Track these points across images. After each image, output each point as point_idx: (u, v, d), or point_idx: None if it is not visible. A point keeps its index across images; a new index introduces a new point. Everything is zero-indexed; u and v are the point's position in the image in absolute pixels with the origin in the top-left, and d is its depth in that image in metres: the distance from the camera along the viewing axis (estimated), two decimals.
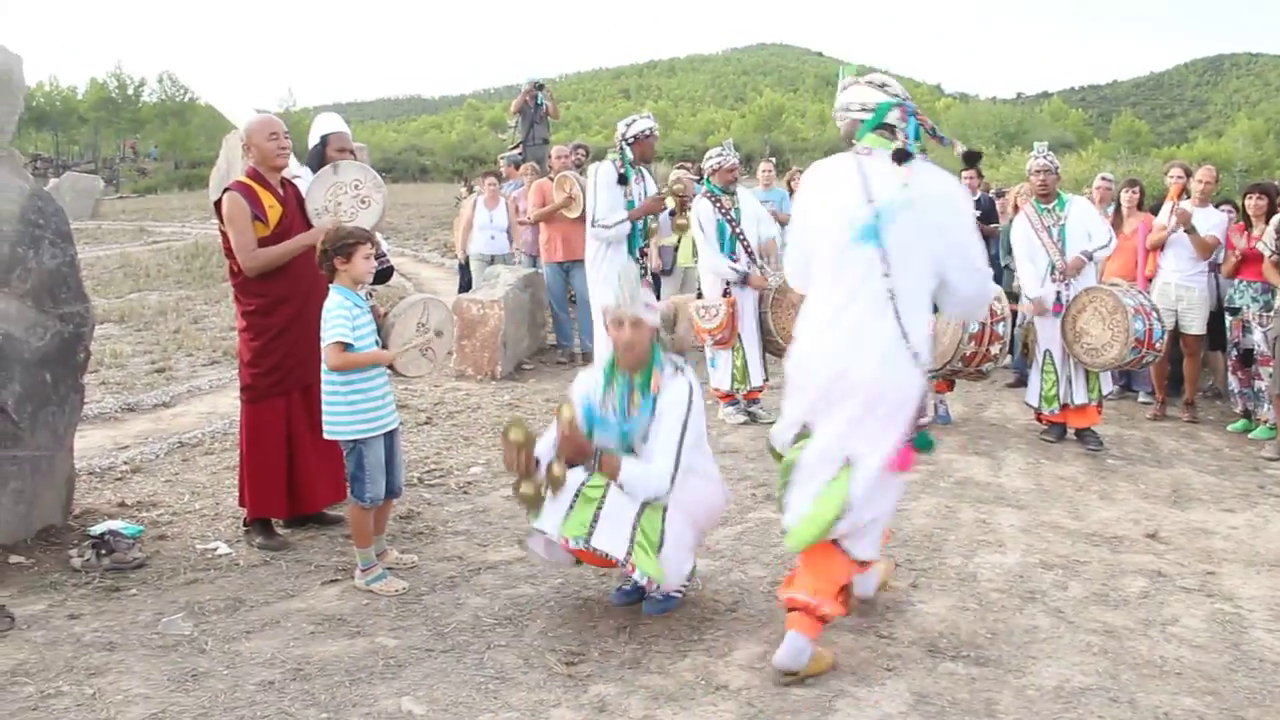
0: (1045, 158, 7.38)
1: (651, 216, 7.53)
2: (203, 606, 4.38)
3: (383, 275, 5.80)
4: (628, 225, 7.24)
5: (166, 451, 6.73)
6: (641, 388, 4.16)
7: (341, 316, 4.42)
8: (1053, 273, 7.27)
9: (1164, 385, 8.43)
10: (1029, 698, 3.70)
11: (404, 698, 3.62)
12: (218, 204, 5.14)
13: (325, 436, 4.61)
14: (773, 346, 7.92)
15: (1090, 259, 7.24)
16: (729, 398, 7.83)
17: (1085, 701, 3.68)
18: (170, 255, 17.00)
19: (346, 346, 4.42)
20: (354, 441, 4.52)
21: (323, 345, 4.45)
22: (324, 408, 4.56)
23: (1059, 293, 7.26)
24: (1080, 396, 7.26)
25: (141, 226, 23.28)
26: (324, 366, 4.50)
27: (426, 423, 7.60)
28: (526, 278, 10.01)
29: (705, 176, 7.80)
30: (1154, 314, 7.05)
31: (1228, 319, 8.04)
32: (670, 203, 7.63)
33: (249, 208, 5.00)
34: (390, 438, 4.67)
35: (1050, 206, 7.33)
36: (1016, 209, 8.67)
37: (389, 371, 4.69)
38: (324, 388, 4.54)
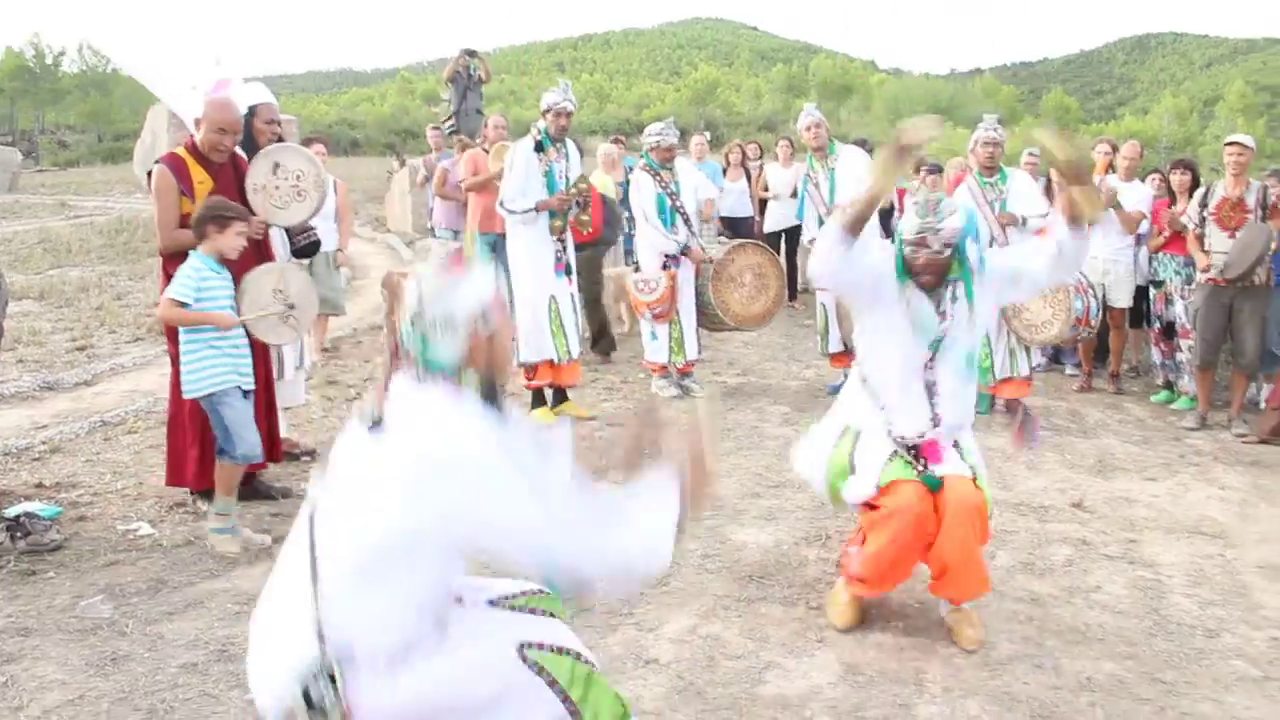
0: (994, 130, 7.42)
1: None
2: (123, 588, 4.28)
3: (309, 249, 5.71)
4: (534, 215, 7.12)
5: (87, 431, 6.55)
6: None
7: (187, 277, 4.51)
8: (992, 245, 7.32)
9: (1090, 357, 8.57)
10: (956, 666, 3.75)
11: None
12: (149, 175, 5.06)
13: (184, 396, 4.69)
14: (709, 320, 7.92)
15: (1024, 223, 7.30)
16: (662, 370, 7.82)
17: (1011, 669, 3.73)
18: (93, 230, 16.50)
19: (183, 305, 4.48)
20: (208, 396, 4.58)
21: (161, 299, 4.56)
22: (180, 368, 4.64)
23: None
24: (1023, 369, 7.36)
25: (63, 201, 22.57)
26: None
27: (356, 398, 7.49)
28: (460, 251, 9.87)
29: (644, 150, 7.75)
30: (1090, 291, 7.15)
31: (1151, 292, 8.19)
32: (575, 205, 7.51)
33: (177, 183, 4.92)
34: (246, 398, 4.73)
35: (993, 180, 7.39)
36: (958, 181, 8.70)
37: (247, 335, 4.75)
38: (180, 347, 4.63)
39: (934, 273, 3.86)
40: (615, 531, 2.31)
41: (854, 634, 3.97)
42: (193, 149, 5.04)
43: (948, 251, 3.83)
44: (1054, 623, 4.13)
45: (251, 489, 5.34)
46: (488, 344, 2.40)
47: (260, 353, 5.06)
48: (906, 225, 3.86)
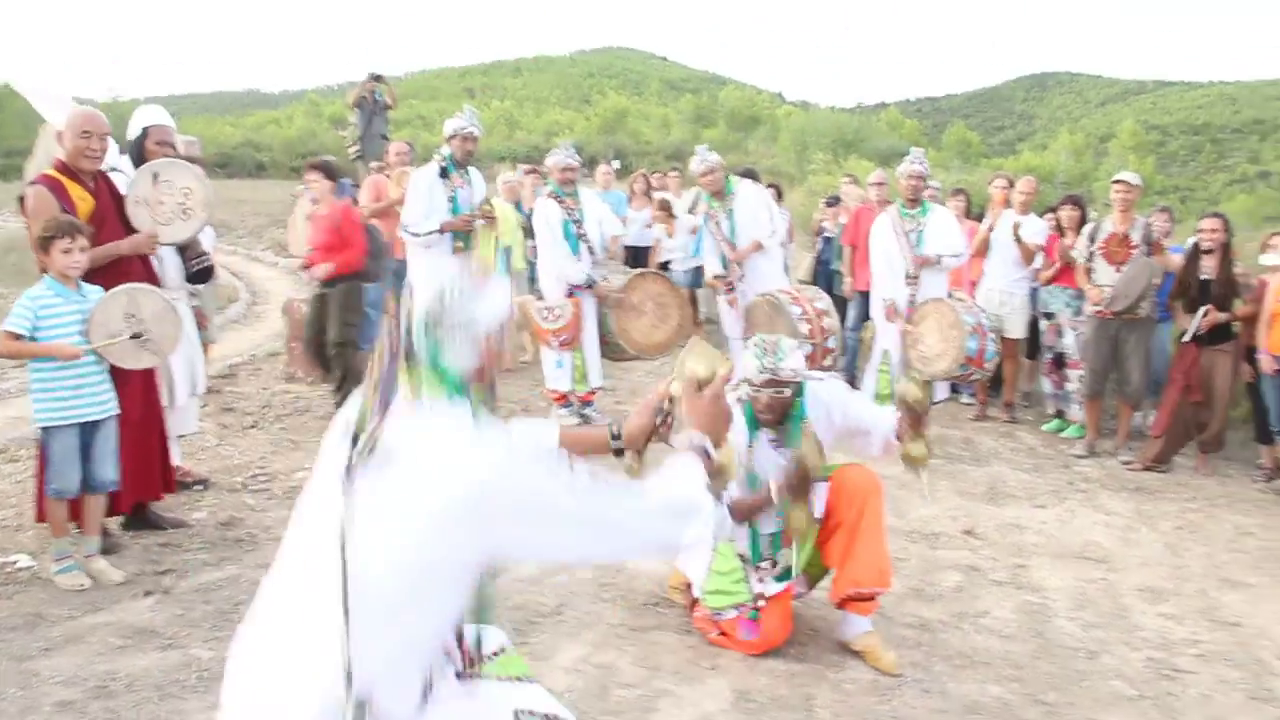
0: (919, 164, 7.61)
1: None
2: None
3: (203, 274, 5.60)
4: (436, 238, 7.12)
5: None
6: None
7: (24, 306, 4.39)
8: (905, 277, 7.48)
9: (986, 387, 8.78)
10: (846, 692, 3.80)
11: (217, 711, 3.47)
12: (22, 199, 4.85)
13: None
14: (610, 349, 7.92)
15: (938, 262, 7.47)
16: (563, 399, 7.80)
17: (900, 694, 3.80)
18: None
19: (19, 337, 4.36)
20: (42, 429, 4.49)
21: None
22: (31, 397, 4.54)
23: (911, 296, 7.48)
24: None
25: None
26: None
27: (252, 427, 7.34)
28: None
29: (548, 177, 7.75)
30: (990, 335, 7.26)
31: (1042, 324, 8.44)
32: (479, 225, 7.52)
33: (56, 203, 4.74)
34: (95, 429, 4.57)
35: (914, 212, 7.57)
36: (859, 215, 8.88)
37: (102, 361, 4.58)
38: (29, 375, 4.53)
39: (776, 411, 4.01)
40: (645, 510, 2.20)
41: (746, 661, 3.99)
42: (64, 169, 4.84)
43: (789, 390, 3.96)
44: (942, 648, 4.21)
45: (143, 519, 5.20)
46: (495, 359, 2.25)
47: (141, 380, 4.94)
48: (748, 368, 3.93)
